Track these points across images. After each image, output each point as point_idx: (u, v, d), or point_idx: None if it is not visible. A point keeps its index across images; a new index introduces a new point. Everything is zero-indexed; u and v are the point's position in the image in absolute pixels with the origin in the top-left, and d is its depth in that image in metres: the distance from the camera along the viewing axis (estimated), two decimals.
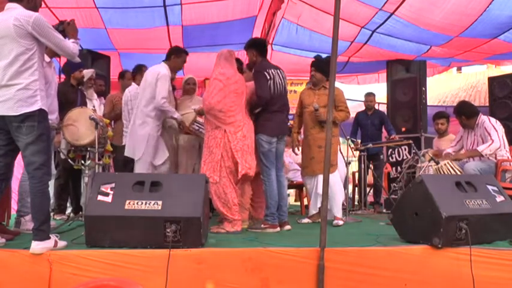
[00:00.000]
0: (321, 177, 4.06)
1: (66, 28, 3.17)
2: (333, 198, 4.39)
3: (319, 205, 4.25)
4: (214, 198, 3.82)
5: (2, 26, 2.78)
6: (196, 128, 4.48)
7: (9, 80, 2.78)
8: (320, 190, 4.13)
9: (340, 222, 4.37)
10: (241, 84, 3.97)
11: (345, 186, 4.97)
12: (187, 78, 5.05)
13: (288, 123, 4.56)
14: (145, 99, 4.19)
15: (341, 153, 4.96)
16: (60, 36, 2.94)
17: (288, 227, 4.04)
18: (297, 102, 4.85)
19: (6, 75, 2.77)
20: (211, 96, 3.85)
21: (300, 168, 6.30)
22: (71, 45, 3.01)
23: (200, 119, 4.43)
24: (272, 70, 4.06)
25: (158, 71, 4.18)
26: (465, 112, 4.69)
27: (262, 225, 3.91)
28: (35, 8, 2.96)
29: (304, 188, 6.00)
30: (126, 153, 4.32)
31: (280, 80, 4.09)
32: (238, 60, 4.36)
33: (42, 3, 4.98)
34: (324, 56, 4.66)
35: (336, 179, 4.48)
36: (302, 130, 4.82)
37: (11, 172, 3.04)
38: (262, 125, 4.02)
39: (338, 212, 4.46)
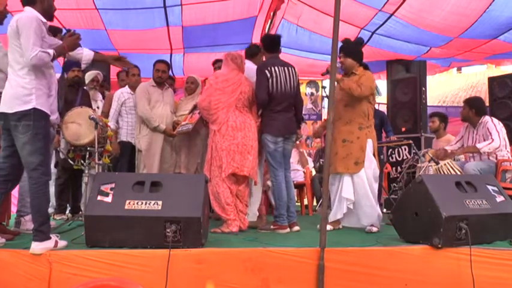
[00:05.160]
0: (345, 179, 3.86)
1: (65, 38, 3.06)
2: (358, 203, 3.87)
3: (344, 210, 3.92)
4: (211, 198, 3.80)
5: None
6: (180, 129, 4.56)
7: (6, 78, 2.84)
8: (345, 193, 3.85)
9: (374, 229, 3.79)
10: (233, 82, 3.87)
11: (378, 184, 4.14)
12: (187, 77, 5.08)
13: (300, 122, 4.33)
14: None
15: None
16: (36, 43, 2.73)
17: (296, 228, 3.90)
18: None
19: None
20: (199, 96, 4.09)
21: (300, 169, 6.32)
22: (38, 55, 2.72)
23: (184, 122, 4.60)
24: (276, 67, 3.91)
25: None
26: (477, 106, 4.70)
27: (272, 226, 3.87)
28: (49, 8, 2.95)
29: (304, 187, 6.00)
30: None
31: (286, 78, 3.93)
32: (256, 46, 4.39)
33: None
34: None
35: (361, 179, 3.84)
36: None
37: (17, 173, 2.99)
38: (266, 124, 3.95)
39: (368, 218, 3.84)
